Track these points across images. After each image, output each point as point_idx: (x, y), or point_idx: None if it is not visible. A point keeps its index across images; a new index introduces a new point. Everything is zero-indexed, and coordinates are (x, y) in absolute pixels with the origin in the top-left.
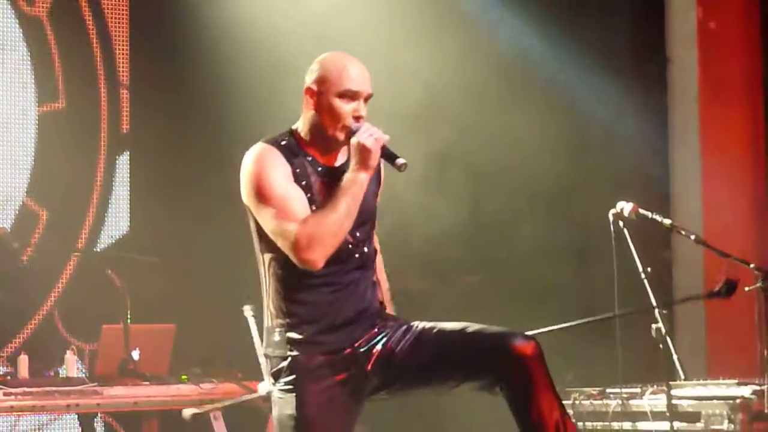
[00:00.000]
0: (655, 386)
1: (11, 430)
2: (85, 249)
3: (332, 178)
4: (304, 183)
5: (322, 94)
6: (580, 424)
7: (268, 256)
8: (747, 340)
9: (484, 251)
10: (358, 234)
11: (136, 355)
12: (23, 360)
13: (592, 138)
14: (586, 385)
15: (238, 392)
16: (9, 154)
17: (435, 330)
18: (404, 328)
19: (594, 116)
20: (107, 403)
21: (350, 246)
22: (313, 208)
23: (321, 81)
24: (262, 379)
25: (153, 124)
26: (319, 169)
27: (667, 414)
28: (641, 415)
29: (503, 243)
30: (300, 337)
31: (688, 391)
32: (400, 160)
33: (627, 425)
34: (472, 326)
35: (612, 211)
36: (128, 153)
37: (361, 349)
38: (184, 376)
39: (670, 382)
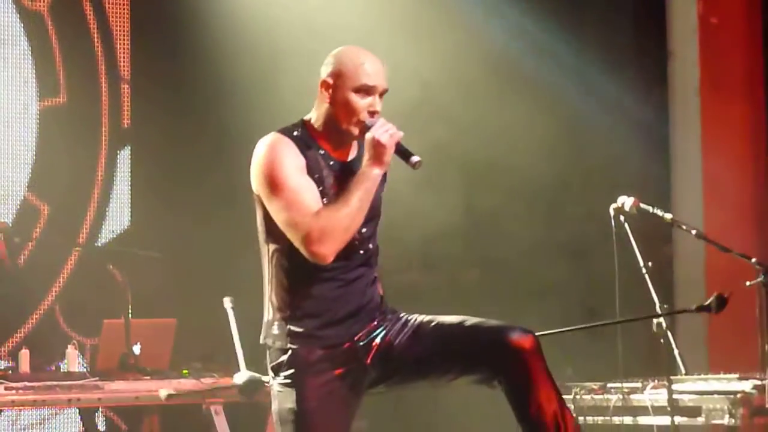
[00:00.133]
0: (656, 381)
1: (13, 424)
2: (86, 244)
3: (344, 173)
4: (316, 176)
5: (338, 88)
6: (581, 418)
7: (273, 247)
8: (748, 334)
9: (483, 248)
10: (364, 230)
11: (137, 349)
12: (24, 354)
13: (593, 132)
14: (586, 379)
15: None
16: (10, 148)
17: (433, 323)
18: (402, 321)
19: (595, 111)
20: (108, 397)
21: (356, 242)
22: (324, 201)
23: (337, 75)
24: (265, 373)
25: (154, 119)
26: (331, 163)
27: (668, 409)
28: (642, 410)
29: (502, 239)
30: (301, 330)
31: (689, 386)
32: (415, 158)
33: (628, 420)
34: (471, 320)
35: (613, 206)
36: (129, 148)
37: (361, 343)
38: (185, 371)
39: (671, 377)
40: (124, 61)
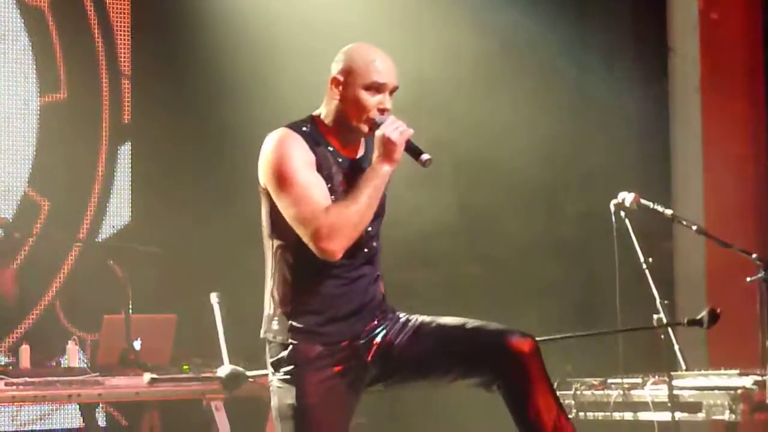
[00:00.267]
0: (656, 376)
1: (13, 420)
2: (87, 239)
3: (352, 170)
4: (325, 173)
5: (348, 85)
6: (581, 414)
7: (277, 242)
8: (748, 330)
9: (481, 245)
10: (369, 229)
11: (137, 345)
12: (25, 350)
13: (593, 129)
14: (586, 375)
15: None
16: (11, 144)
17: (434, 324)
18: (403, 321)
19: (595, 107)
20: (109, 393)
21: (361, 240)
22: (333, 199)
23: (347, 72)
24: (264, 368)
25: (154, 115)
26: (340, 160)
27: (669, 404)
28: (642, 406)
29: (501, 237)
30: (302, 326)
31: (690, 382)
32: (425, 156)
33: (628, 415)
34: (471, 322)
35: (613, 202)
36: (129, 143)
37: (361, 341)
38: (185, 366)
39: (672, 373)
40: (124, 57)
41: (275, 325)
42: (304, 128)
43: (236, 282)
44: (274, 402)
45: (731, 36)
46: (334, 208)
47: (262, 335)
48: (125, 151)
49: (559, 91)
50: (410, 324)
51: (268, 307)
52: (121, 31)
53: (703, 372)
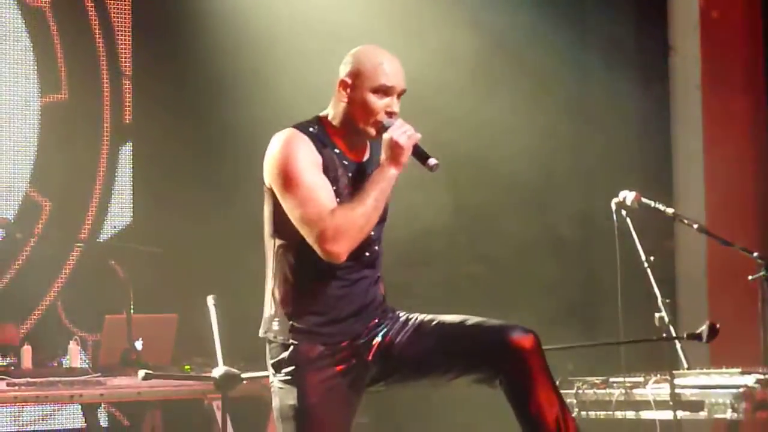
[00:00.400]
0: (658, 375)
1: (15, 420)
2: (88, 239)
3: (357, 173)
4: (331, 176)
5: (356, 87)
6: (583, 413)
7: (279, 242)
8: (750, 329)
9: (481, 244)
10: (372, 233)
11: (139, 345)
12: (27, 350)
13: (594, 127)
14: (588, 374)
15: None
16: (12, 144)
17: (434, 322)
18: (403, 320)
19: (596, 106)
20: (110, 393)
21: (364, 244)
22: (338, 201)
23: (355, 74)
24: (264, 369)
25: (155, 115)
26: (346, 163)
27: (671, 403)
28: (644, 404)
29: (501, 236)
30: (303, 326)
31: (692, 380)
32: (432, 161)
33: (630, 414)
34: (472, 319)
35: (614, 200)
36: (131, 143)
37: (362, 340)
38: (186, 366)
39: (674, 371)
40: (125, 57)
41: (275, 326)
42: (311, 129)
43: (237, 282)
44: (275, 402)
45: (732, 35)
46: (340, 210)
47: (261, 334)
48: (126, 151)
49: (560, 91)
50: (410, 323)
51: (269, 307)
52: (121, 31)
53: (705, 371)
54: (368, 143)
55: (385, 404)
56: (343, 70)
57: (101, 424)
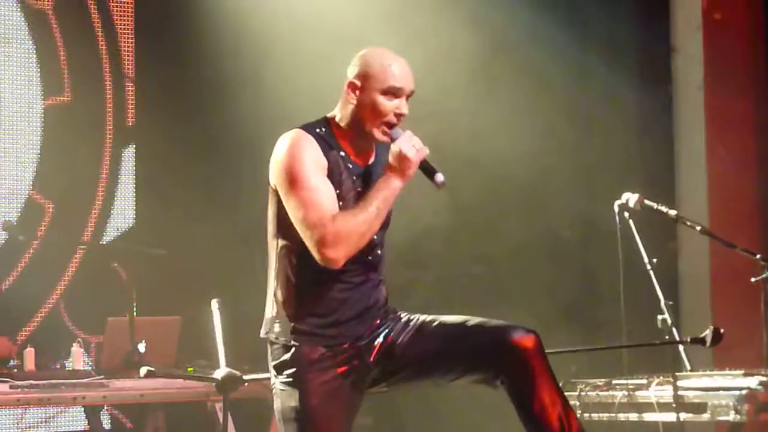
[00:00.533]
0: (661, 377)
1: (18, 422)
2: (91, 242)
3: (362, 178)
4: (335, 179)
5: (365, 89)
6: (586, 415)
7: (282, 243)
8: (753, 330)
9: (485, 245)
10: (375, 237)
11: (142, 347)
12: (29, 353)
13: (597, 129)
14: (591, 376)
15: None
16: (15, 147)
17: (436, 323)
18: (405, 320)
19: (598, 107)
20: (113, 395)
21: (366, 248)
22: (341, 204)
23: (364, 76)
24: (266, 371)
25: (158, 117)
26: (350, 166)
27: (674, 405)
28: (647, 407)
29: (502, 237)
30: (304, 328)
31: (695, 382)
32: (439, 177)
33: (633, 416)
34: (473, 319)
35: (617, 202)
36: (133, 146)
37: (363, 342)
38: (190, 368)
39: (677, 373)
40: (128, 60)
41: (277, 327)
42: (318, 130)
43: (240, 284)
44: (277, 404)
45: (734, 36)
46: (342, 216)
47: (263, 335)
48: (129, 153)
49: (561, 92)
50: (412, 323)
51: (270, 308)
52: (124, 33)
53: (708, 372)
54: (374, 147)
55: (388, 405)
56: (352, 72)
57: (104, 426)
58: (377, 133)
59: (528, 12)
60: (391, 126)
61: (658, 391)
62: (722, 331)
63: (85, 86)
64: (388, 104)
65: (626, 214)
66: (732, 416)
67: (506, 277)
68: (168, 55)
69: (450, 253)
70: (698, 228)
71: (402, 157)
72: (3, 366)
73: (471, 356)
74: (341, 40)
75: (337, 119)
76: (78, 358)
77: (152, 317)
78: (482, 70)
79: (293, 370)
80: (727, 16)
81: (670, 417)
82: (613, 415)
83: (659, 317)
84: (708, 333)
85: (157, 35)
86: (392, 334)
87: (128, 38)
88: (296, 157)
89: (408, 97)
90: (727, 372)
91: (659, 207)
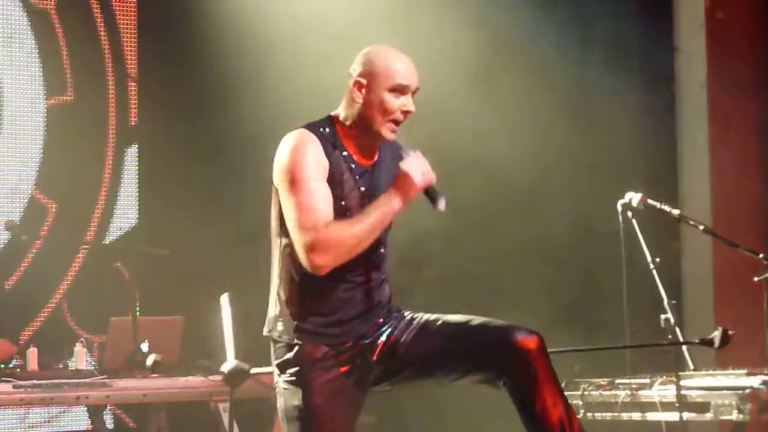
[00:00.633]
0: (664, 377)
1: (21, 422)
2: (94, 241)
3: (364, 178)
4: (336, 179)
5: (372, 88)
6: (589, 415)
7: (285, 241)
8: (756, 330)
9: (486, 245)
10: (379, 236)
11: (144, 347)
12: (32, 353)
13: (600, 128)
14: (594, 376)
15: (248, 384)
16: (18, 146)
17: (439, 322)
18: (408, 319)
19: (601, 107)
20: (116, 395)
21: (371, 246)
22: (342, 204)
23: (370, 75)
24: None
25: (161, 117)
26: (353, 166)
27: (677, 404)
28: (650, 406)
29: (506, 237)
30: (307, 327)
31: (697, 382)
32: (441, 204)
33: (636, 416)
34: (476, 319)
35: (620, 202)
36: (136, 145)
37: (366, 341)
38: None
39: (679, 373)
40: (131, 59)
41: (280, 326)
42: (322, 129)
43: (243, 284)
44: (280, 403)
45: (737, 35)
46: (336, 225)
47: (266, 333)
48: (132, 153)
49: (564, 91)
50: (415, 322)
51: (273, 306)
52: (127, 33)
53: (710, 372)
54: (378, 145)
55: (391, 404)
56: (356, 71)
57: (107, 426)
58: (385, 132)
59: (530, 11)
60: (398, 123)
61: (661, 390)
62: (731, 332)
63: (88, 86)
64: (395, 102)
65: (629, 214)
66: (735, 416)
67: (508, 277)
68: (171, 54)
69: (451, 253)
70: (701, 227)
71: (408, 180)
72: (5, 367)
73: (474, 356)
74: (344, 40)
75: (341, 118)
76: (81, 358)
77: (155, 317)
78: (484, 71)
79: (296, 368)
80: (730, 15)
81: (673, 416)
82: (616, 414)
83: (662, 316)
84: (716, 334)
85: (159, 35)
86: (395, 332)
87: (131, 38)
88: (298, 159)
89: (413, 93)
90: (730, 371)
91: (662, 206)
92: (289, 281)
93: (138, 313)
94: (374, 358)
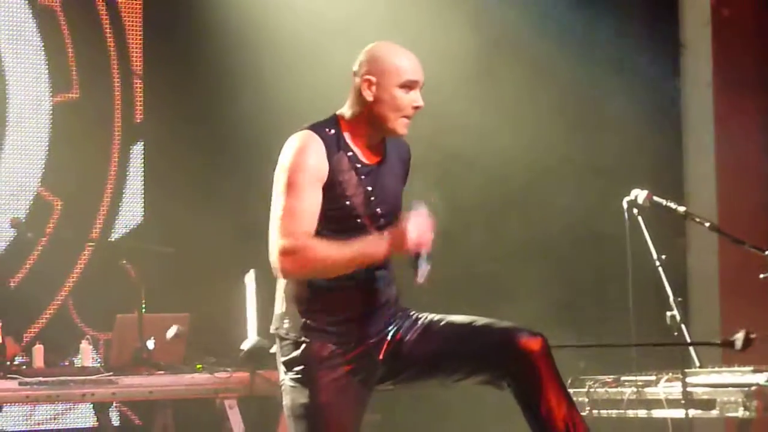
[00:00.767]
0: (670, 374)
1: (27, 419)
2: (99, 239)
3: (371, 176)
4: (339, 179)
5: (382, 85)
6: (594, 412)
7: None
8: (762, 327)
9: (490, 244)
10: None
11: (150, 344)
12: (38, 350)
13: (606, 126)
14: (600, 373)
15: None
16: (23, 144)
17: (443, 322)
18: (413, 319)
19: (607, 104)
20: (122, 392)
21: None
22: (348, 204)
23: (380, 72)
24: (276, 368)
25: (166, 114)
26: (358, 166)
27: (682, 402)
28: (656, 403)
29: (516, 232)
30: (315, 324)
31: (703, 379)
32: (421, 275)
33: (642, 413)
34: (480, 320)
35: (626, 199)
36: (142, 143)
37: (373, 340)
38: (198, 366)
39: (685, 370)
40: (136, 56)
41: (287, 323)
42: (328, 130)
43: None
44: (286, 401)
45: (743, 32)
46: (315, 243)
47: (272, 331)
48: (137, 150)
49: (569, 89)
50: (420, 322)
51: (280, 303)
52: (133, 30)
53: (716, 369)
54: (384, 145)
55: (396, 402)
56: (364, 69)
57: (113, 423)
58: (399, 127)
59: (533, 8)
60: (409, 118)
61: (667, 387)
62: (754, 335)
63: (94, 83)
64: (405, 98)
65: (635, 211)
66: (741, 413)
67: (512, 276)
68: (176, 51)
69: (451, 253)
70: (707, 224)
71: (402, 239)
72: (11, 364)
73: (477, 357)
74: (349, 39)
75: (347, 117)
76: (87, 355)
77: (161, 314)
78: (486, 67)
79: (303, 366)
80: (736, 13)
81: (678, 413)
82: (622, 411)
83: (668, 314)
84: (739, 336)
85: (165, 32)
86: (401, 331)
87: (136, 35)
88: (298, 164)
89: (420, 88)
90: (736, 368)
91: (668, 203)
92: (296, 279)
93: (144, 310)
94: (380, 357)
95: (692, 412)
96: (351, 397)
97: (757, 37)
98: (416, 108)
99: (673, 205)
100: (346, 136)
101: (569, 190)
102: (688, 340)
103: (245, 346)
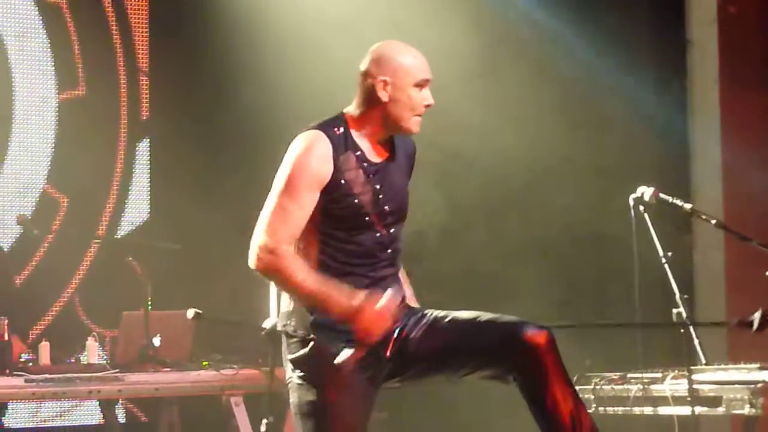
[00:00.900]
0: (676, 371)
1: (33, 416)
2: (106, 236)
3: (379, 174)
4: (346, 178)
5: (398, 85)
6: (600, 409)
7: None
8: None
9: (498, 239)
10: (392, 230)
11: (156, 341)
12: (45, 347)
13: (611, 122)
14: (606, 370)
15: (259, 378)
16: (29, 141)
17: (448, 318)
18: (419, 315)
19: (613, 101)
20: (128, 389)
21: (385, 242)
22: (356, 202)
23: (393, 72)
24: (281, 365)
25: (172, 111)
26: (365, 164)
27: (689, 399)
28: (662, 400)
29: (521, 229)
30: (322, 322)
31: (710, 376)
32: (340, 358)
33: (648, 410)
34: (485, 315)
35: (632, 196)
36: (148, 140)
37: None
38: (205, 363)
39: (692, 367)
40: (142, 53)
41: (294, 320)
42: (336, 129)
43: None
44: (293, 399)
45: (750, 29)
46: (292, 260)
47: (279, 328)
48: (143, 147)
49: (574, 86)
50: (425, 319)
51: (287, 301)
52: (139, 27)
53: (723, 366)
54: (392, 142)
55: (403, 400)
56: (377, 69)
57: (119, 420)
58: (414, 126)
59: (541, 7)
60: (420, 116)
61: (673, 384)
62: None
63: (100, 80)
64: (419, 96)
65: (641, 208)
66: (747, 410)
67: (516, 275)
68: (182, 48)
69: (452, 253)
70: (713, 222)
71: (360, 315)
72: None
73: (483, 352)
74: (352, 36)
75: (355, 116)
76: (93, 352)
77: (167, 311)
78: (489, 66)
79: (311, 364)
80: (742, 10)
81: (685, 410)
82: (628, 408)
83: (674, 311)
84: (756, 316)
85: (171, 29)
86: (406, 328)
87: (142, 32)
88: (300, 165)
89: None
90: (742, 365)
91: (674, 200)
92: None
93: (150, 307)
94: (387, 354)
95: (698, 410)
96: (358, 395)
97: (764, 34)
98: (427, 106)
99: (679, 202)
100: (354, 134)
101: (570, 190)
102: (694, 337)
103: (267, 324)
